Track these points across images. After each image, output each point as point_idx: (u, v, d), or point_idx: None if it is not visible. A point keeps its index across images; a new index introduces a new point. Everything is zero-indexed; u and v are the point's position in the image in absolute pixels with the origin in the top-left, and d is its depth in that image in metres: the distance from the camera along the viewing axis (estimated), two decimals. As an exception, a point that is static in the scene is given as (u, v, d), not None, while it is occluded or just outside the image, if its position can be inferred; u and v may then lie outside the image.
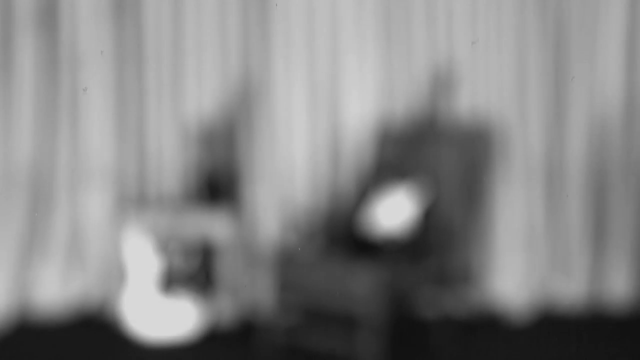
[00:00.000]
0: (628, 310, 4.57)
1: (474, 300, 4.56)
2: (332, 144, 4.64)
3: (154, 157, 4.65)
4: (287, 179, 4.63)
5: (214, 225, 4.40)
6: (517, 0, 4.53)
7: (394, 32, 4.59)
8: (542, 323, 4.42)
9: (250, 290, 4.55)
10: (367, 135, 4.53)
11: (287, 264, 3.95)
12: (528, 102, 4.60)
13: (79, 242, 4.64)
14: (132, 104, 4.63)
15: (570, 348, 4.06)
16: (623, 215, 4.61)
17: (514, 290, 4.57)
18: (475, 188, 4.30)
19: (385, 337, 3.88)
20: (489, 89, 4.59)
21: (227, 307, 4.41)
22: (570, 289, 4.64)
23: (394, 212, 4.10)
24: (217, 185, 4.57)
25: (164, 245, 4.35)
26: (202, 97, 4.62)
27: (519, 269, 4.60)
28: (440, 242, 4.07)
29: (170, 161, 4.64)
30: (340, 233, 4.32)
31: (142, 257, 4.33)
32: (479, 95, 4.59)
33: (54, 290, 4.60)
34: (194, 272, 4.39)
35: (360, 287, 3.72)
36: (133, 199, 4.65)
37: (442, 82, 4.56)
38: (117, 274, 4.49)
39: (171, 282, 4.35)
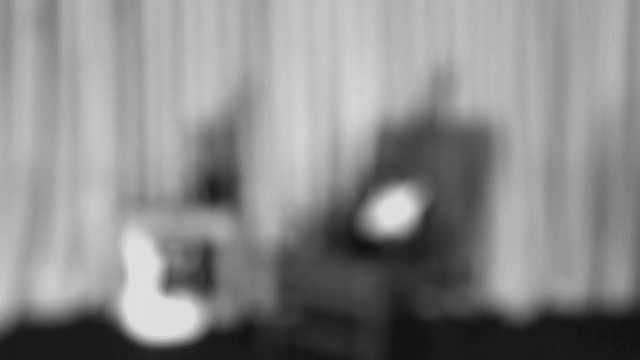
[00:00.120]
0: (628, 310, 4.58)
1: (474, 300, 4.56)
2: (332, 144, 4.64)
3: (154, 157, 4.65)
4: (287, 179, 4.63)
5: (214, 226, 4.40)
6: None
7: (394, 31, 4.59)
8: (543, 322, 4.42)
9: (251, 291, 4.55)
10: (367, 135, 4.53)
11: (287, 264, 3.95)
12: (528, 101, 4.60)
13: (79, 242, 4.64)
14: (132, 104, 4.63)
15: (571, 347, 4.06)
16: (623, 214, 4.61)
17: (514, 289, 4.57)
18: (475, 188, 4.30)
19: (386, 337, 3.88)
20: (489, 88, 4.59)
21: (227, 307, 4.41)
22: (571, 288, 4.64)
23: (394, 212, 4.10)
24: (217, 186, 4.57)
25: (164, 246, 4.35)
26: (202, 97, 4.62)
27: (519, 268, 4.60)
28: (441, 242, 4.07)
29: (171, 161, 4.64)
30: (340, 233, 4.32)
31: (142, 258, 4.33)
32: (479, 95, 4.59)
33: (54, 291, 4.60)
34: (194, 272, 4.39)
35: (360, 287, 3.72)
36: (133, 200, 4.65)
37: (442, 82, 4.56)
38: (117, 274, 4.49)
39: (171, 282, 4.35)
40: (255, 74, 4.61)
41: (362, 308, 3.73)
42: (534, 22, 4.56)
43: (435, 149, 4.24)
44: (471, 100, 4.59)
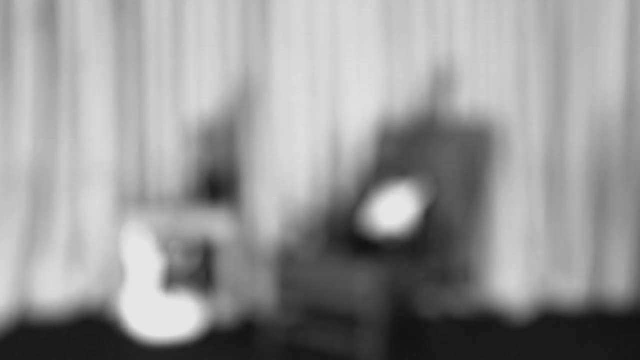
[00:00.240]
0: (628, 308, 4.58)
1: (474, 299, 4.56)
2: (333, 143, 4.64)
3: (154, 156, 4.65)
4: (288, 178, 4.63)
5: (215, 224, 4.40)
6: (517, -2, 4.55)
7: (394, 30, 4.59)
8: (543, 321, 4.42)
9: (251, 289, 4.55)
10: (368, 134, 4.53)
11: (287, 262, 3.95)
12: (528, 100, 4.60)
13: (80, 241, 4.64)
14: (132, 103, 4.63)
15: (571, 346, 4.06)
16: (623, 213, 4.61)
17: (514, 288, 4.58)
18: (475, 186, 4.30)
19: (386, 335, 3.88)
20: (490, 87, 4.59)
21: (227, 306, 4.41)
22: (571, 287, 4.64)
23: (394, 210, 4.10)
24: (218, 185, 4.58)
25: (164, 245, 4.35)
26: (202, 96, 4.62)
27: (519, 267, 4.60)
28: (441, 241, 4.07)
29: (171, 160, 4.64)
30: (340, 232, 4.32)
31: (142, 256, 4.33)
32: (479, 94, 4.59)
33: (55, 290, 4.60)
34: (194, 271, 4.39)
35: (360, 286, 3.72)
36: (133, 198, 4.65)
37: (442, 81, 4.56)
38: (117, 273, 4.49)
39: (172, 281, 4.36)
40: (255, 73, 4.62)
41: (362, 307, 3.73)
42: (534, 21, 4.56)
43: (435, 148, 4.24)
44: (471, 99, 4.58)
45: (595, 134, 4.61)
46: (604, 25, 4.56)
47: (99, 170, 4.61)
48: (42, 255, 4.62)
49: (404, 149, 4.33)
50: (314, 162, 4.64)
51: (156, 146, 4.65)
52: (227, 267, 4.43)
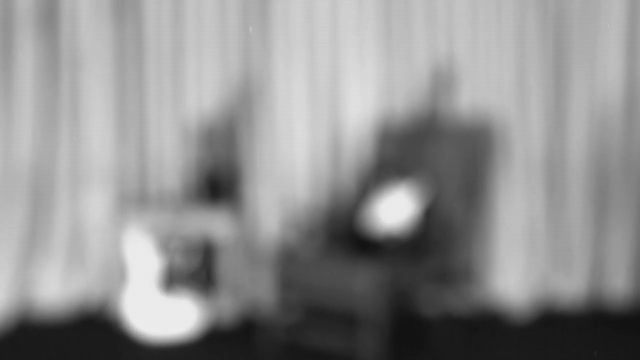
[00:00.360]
0: (628, 308, 4.58)
1: (475, 298, 4.56)
2: (333, 142, 4.64)
3: (155, 155, 4.65)
4: (288, 177, 4.63)
5: (215, 224, 4.40)
6: (517, -3, 4.55)
7: (394, 29, 4.59)
8: (543, 320, 4.42)
9: (251, 289, 4.55)
10: (368, 133, 4.53)
11: (287, 262, 3.95)
12: (528, 99, 4.60)
13: (80, 241, 4.64)
14: (132, 103, 4.63)
15: (571, 345, 4.06)
16: (624, 212, 4.62)
17: (514, 287, 4.58)
18: (476, 186, 4.30)
19: (386, 335, 3.88)
20: (490, 86, 4.60)
21: (228, 306, 4.41)
22: (571, 286, 4.64)
23: (394, 210, 4.10)
24: (218, 184, 4.58)
25: (164, 244, 4.35)
26: (202, 95, 4.63)
27: (519, 266, 4.60)
28: (441, 240, 4.07)
29: (171, 160, 4.64)
30: (341, 231, 4.32)
31: (143, 256, 4.33)
32: (479, 93, 4.59)
33: (55, 289, 4.60)
34: (194, 270, 4.39)
35: (361, 285, 3.72)
36: (134, 198, 4.65)
37: (442, 80, 4.56)
38: (118, 272, 4.49)
39: (172, 280, 4.35)
40: (255, 72, 4.62)
41: (363, 306, 3.73)
42: (534, 20, 4.56)
43: (435, 147, 4.24)
44: (471, 98, 4.59)
45: (595, 134, 4.61)
46: (604, 24, 4.56)
47: (99, 170, 4.61)
48: (42, 255, 4.62)
49: (404, 148, 4.33)
50: (314, 161, 4.64)
51: (156, 146, 4.65)
52: (227, 267, 4.43)
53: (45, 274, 4.61)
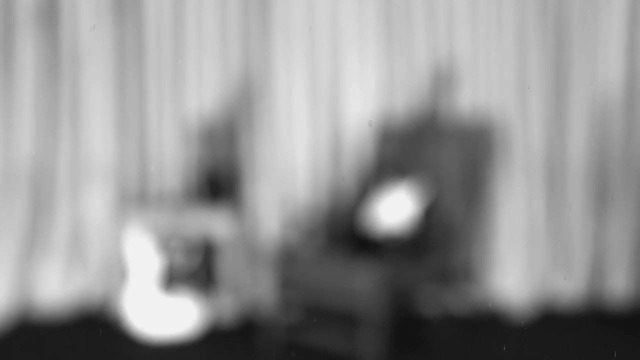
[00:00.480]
0: (628, 307, 4.58)
1: (475, 298, 4.56)
2: (333, 142, 4.64)
3: (155, 155, 4.65)
4: (288, 177, 4.63)
5: (215, 223, 4.40)
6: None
7: (394, 29, 4.59)
8: (543, 320, 4.42)
9: (252, 288, 4.55)
10: (368, 133, 4.53)
11: (288, 261, 3.95)
12: (529, 99, 4.60)
13: (81, 240, 4.64)
14: (133, 102, 4.63)
15: (571, 345, 4.06)
16: (623, 212, 4.62)
17: (515, 287, 4.58)
18: (476, 185, 4.30)
19: (386, 334, 3.88)
20: (490, 86, 4.60)
21: (228, 305, 4.42)
22: (571, 286, 4.64)
23: (395, 209, 4.10)
24: (218, 183, 4.58)
25: (165, 243, 4.35)
26: (202, 95, 4.62)
27: (519, 266, 4.60)
28: (441, 240, 4.08)
29: (171, 159, 4.64)
30: (341, 231, 4.32)
31: (143, 255, 4.33)
32: (479, 92, 4.59)
33: (56, 288, 4.60)
34: (195, 270, 4.39)
35: (361, 284, 3.72)
36: (134, 197, 4.65)
37: (442, 80, 4.56)
38: (118, 272, 4.49)
39: (172, 280, 4.36)
40: (255, 72, 4.62)
41: (363, 306, 3.73)
42: (535, 19, 4.56)
43: (435, 147, 4.24)
44: (472, 97, 4.59)
45: (595, 134, 4.61)
46: (604, 24, 4.56)
47: (99, 169, 4.61)
48: (43, 254, 4.62)
49: (405, 147, 4.33)
50: (314, 160, 4.64)
51: (157, 145, 4.65)
52: (228, 266, 4.43)
53: (46, 273, 4.61)
